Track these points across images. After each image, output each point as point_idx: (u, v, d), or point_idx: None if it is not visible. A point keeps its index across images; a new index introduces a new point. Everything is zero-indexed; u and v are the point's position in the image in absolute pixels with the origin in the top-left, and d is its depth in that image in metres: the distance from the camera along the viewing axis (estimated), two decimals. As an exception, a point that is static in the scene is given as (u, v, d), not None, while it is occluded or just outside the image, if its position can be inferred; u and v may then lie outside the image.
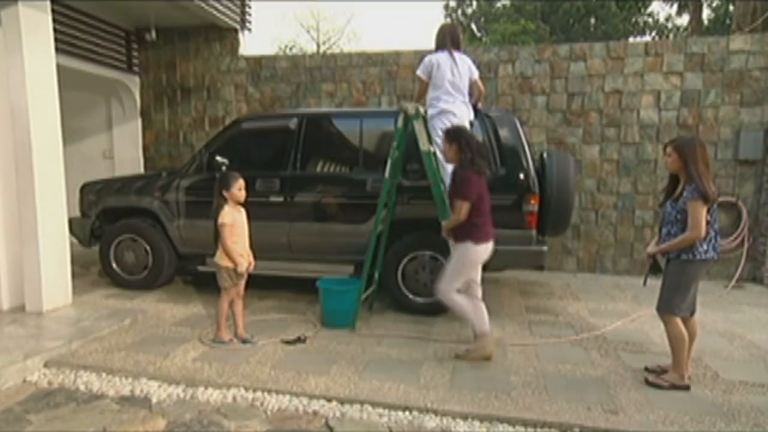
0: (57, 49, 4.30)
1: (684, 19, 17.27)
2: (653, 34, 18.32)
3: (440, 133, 3.79)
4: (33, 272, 4.13)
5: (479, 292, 3.59)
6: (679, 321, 3.05)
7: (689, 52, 5.85)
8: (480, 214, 3.35)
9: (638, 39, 17.48)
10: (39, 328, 3.79)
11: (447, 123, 3.78)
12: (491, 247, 3.45)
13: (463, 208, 3.30)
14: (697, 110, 5.89)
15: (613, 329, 4.08)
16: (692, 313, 3.15)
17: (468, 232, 3.34)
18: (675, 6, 16.61)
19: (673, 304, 3.04)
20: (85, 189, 5.31)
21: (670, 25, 18.24)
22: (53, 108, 4.19)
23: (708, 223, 2.93)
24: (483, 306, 3.50)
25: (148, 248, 4.97)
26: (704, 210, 2.88)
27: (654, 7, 23.56)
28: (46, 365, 3.27)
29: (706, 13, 15.65)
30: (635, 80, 5.99)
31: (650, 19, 18.59)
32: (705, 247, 2.98)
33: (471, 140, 3.39)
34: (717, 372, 3.27)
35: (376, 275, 4.35)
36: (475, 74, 3.97)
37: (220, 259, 3.61)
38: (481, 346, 3.40)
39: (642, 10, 18.16)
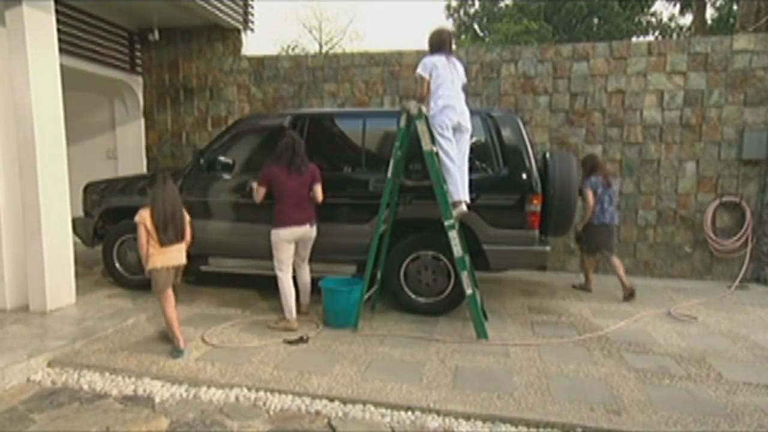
0: (60, 50, 4.31)
1: (687, 19, 17.23)
2: (656, 33, 18.28)
3: (440, 130, 3.84)
4: (36, 272, 4.15)
5: (304, 272, 4.30)
6: (610, 256, 5.13)
7: (692, 51, 5.83)
8: (280, 202, 3.98)
9: (641, 39, 17.44)
10: (42, 328, 3.80)
11: (449, 119, 3.83)
12: (298, 231, 4.01)
13: (259, 191, 4.04)
14: (701, 110, 5.87)
15: (615, 329, 4.07)
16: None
17: (273, 219, 4.00)
18: (678, 5, 16.57)
19: (593, 249, 5.24)
20: (88, 189, 5.32)
21: (673, 24, 18.20)
22: (57, 108, 4.21)
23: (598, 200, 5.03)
24: (308, 286, 4.33)
25: (150, 248, 4.98)
26: (589, 192, 5.01)
27: (657, 6, 23.47)
28: (49, 364, 3.28)
29: (709, 13, 15.59)
30: (638, 80, 5.98)
31: (653, 19, 18.55)
32: (596, 215, 5.07)
33: (288, 142, 3.98)
34: (720, 373, 3.25)
35: (379, 275, 4.35)
36: (464, 79, 4.10)
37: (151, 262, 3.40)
38: (283, 322, 4.03)
39: (645, 9, 18.12)
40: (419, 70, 3.92)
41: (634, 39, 16.85)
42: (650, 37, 17.95)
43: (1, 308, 4.20)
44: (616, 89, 6.04)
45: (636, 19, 18.23)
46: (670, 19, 18.27)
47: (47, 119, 4.11)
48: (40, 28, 4.03)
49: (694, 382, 3.11)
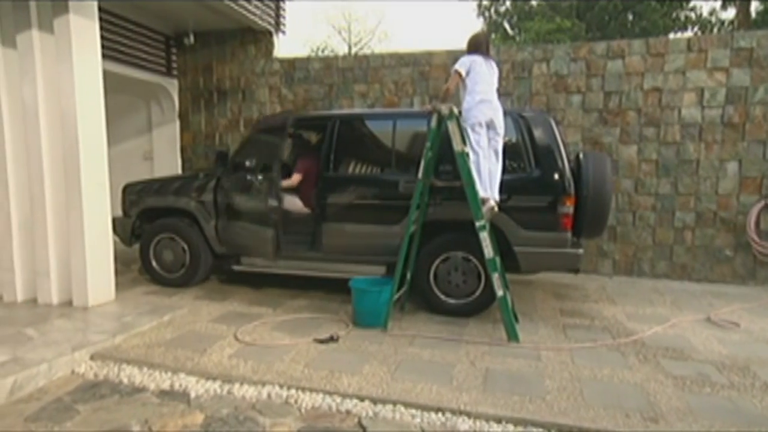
0: (102, 55, 4.46)
1: (729, 13, 16.56)
2: (695, 29, 17.62)
3: (472, 123, 3.87)
4: (79, 269, 4.31)
5: None
6: None
7: (736, 47, 5.61)
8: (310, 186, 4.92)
9: (679, 35, 16.86)
10: (85, 323, 3.96)
11: (484, 114, 3.87)
12: None
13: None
14: (744, 108, 5.64)
15: (651, 334, 3.96)
16: None
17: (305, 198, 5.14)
18: (719, -1, 15.93)
19: None
20: (126, 189, 5.50)
21: (713, 19, 17.50)
22: (99, 112, 4.36)
23: None
24: None
25: (185, 247, 5.11)
26: None
27: (696, 1, 22.61)
28: (92, 358, 3.41)
29: (754, 6, 14.94)
30: (676, 77, 5.79)
31: (692, 14, 17.89)
32: None
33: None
34: (766, 382, 3.12)
35: (408, 276, 4.35)
36: (496, 83, 4.16)
37: None
38: None
39: (683, 4, 17.49)
40: (456, 65, 3.99)
41: (671, 35, 16.31)
42: (689, 33, 17.34)
43: (48, 303, 4.39)
44: (653, 87, 5.86)
45: (674, 15, 17.62)
46: (711, 13, 17.58)
47: (90, 123, 4.27)
48: (85, 35, 4.18)
49: (737, 391, 3.00)
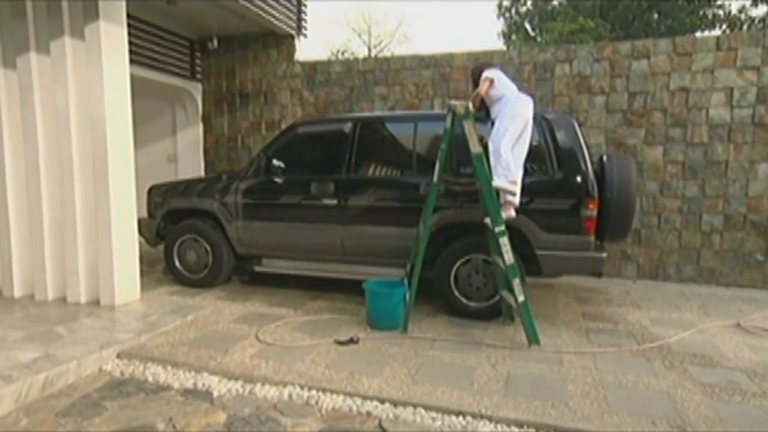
0: (130, 60, 4.56)
1: (760, 10, 16.07)
2: (724, 27, 17.15)
3: (516, 117, 3.92)
4: (107, 269, 4.42)
5: None
6: None
7: None
8: None
9: (707, 33, 16.44)
10: (112, 321, 4.06)
11: (529, 110, 4.01)
12: None
13: None
14: (775, 108, 5.48)
15: (678, 340, 3.86)
16: None
17: None
18: (750, -5, 15.45)
19: None
20: (152, 191, 5.61)
21: (743, 17, 17.00)
22: (126, 116, 4.46)
23: None
24: None
25: (208, 248, 5.19)
26: None
27: (725, -3, 21.97)
28: (118, 356, 3.49)
29: (786, 3, 14.44)
30: (704, 77, 5.65)
31: (720, 12, 17.41)
32: None
33: None
34: (798, 391, 3.02)
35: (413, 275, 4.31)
36: None
37: None
38: None
39: (711, 2, 17.03)
40: (484, 75, 4.15)
41: (699, 34, 15.92)
42: (717, 32, 16.88)
43: (76, 301, 4.51)
44: (680, 87, 5.74)
45: (701, 13, 17.18)
46: (740, 11, 17.08)
47: (118, 126, 4.37)
48: (114, 41, 4.29)
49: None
